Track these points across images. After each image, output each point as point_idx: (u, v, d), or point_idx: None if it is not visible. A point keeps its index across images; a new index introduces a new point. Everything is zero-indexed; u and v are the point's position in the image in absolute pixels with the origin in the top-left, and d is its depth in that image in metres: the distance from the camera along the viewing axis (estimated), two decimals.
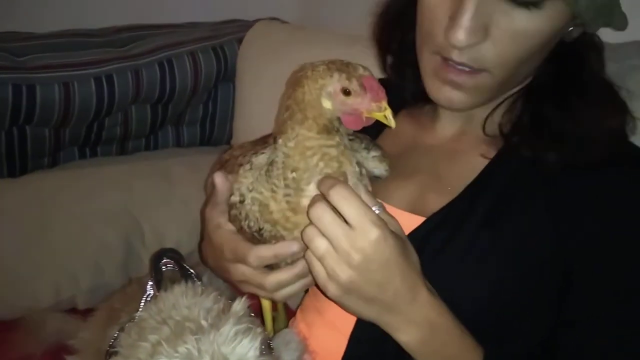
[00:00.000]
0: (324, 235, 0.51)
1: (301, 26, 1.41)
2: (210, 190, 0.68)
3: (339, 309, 0.62)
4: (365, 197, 0.54)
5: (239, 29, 1.33)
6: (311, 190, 0.54)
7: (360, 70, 0.52)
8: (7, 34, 1.15)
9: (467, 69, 0.56)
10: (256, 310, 0.68)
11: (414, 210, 0.63)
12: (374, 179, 0.62)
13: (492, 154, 0.62)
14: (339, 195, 0.50)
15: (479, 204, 0.59)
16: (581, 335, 0.56)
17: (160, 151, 1.31)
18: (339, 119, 0.54)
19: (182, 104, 1.27)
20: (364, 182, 0.57)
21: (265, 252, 0.57)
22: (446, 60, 0.57)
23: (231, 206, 0.62)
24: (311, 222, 0.52)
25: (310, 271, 0.54)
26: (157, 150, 1.32)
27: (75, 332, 0.83)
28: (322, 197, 0.52)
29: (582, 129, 0.57)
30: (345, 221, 0.51)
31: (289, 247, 0.56)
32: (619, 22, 0.58)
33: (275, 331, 0.70)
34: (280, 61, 1.16)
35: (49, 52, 1.09)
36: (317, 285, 0.55)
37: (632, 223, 0.56)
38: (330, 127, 0.54)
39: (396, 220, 0.55)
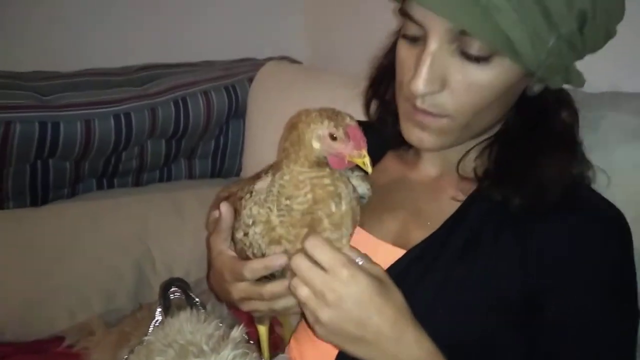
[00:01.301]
0: (304, 282, 0.57)
1: (307, 67, 1.48)
2: (212, 224, 0.74)
3: None
4: (348, 251, 0.60)
5: (250, 68, 1.40)
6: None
7: (347, 120, 0.59)
8: (34, 73, 1.22)
9: (431, 114, 0.62)
10: (254, 338, 0.74)
11: (397, 243, 0.68)
12: (360, 201, 0.68)
13: (468, 193, 0.68)
14: (312, 245, 0.57)
15: (455, 239, 0.65)
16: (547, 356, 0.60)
17: (173, 183, 1.36)
18: (325, 157, 0.61)
19: (195, 138, 1.33)
20: (355, 204, 0.64)
21: (256, 264, 0.64)
22: (413, 106, 0.63)
23: (237, 242, 0.68)
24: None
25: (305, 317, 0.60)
26: (170, 182, 1.37)
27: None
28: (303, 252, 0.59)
29: (544, 177, 0.62)
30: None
31: (277, 259, 0.62)
32: (576, 80, 0.63)
33: (273, 356, 0.74)
34: (287, 100, 1.23)
35: (72, 91, 1.17)
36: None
37: (587, 262, 0.61)
38: (319, 162, 0.61)
39: (380, 267, 0.60)
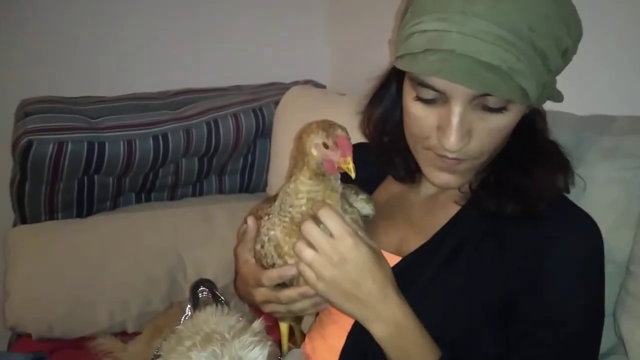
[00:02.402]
0: (312, 244, 0.67)
1: (329, 91, 1.56)
2: (241, 234, 0.83)
3: (338, 333, 0.76)
4: (352, 224, 0.69)
5: (276, 92, 1.48)
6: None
7: (338, 131, 0.67)
8: (83, 98, 1.33)
9: (462, 159, 0.69)
10: (275, 337, 0.82)
11: (397, 253, 0.76)
12: (365, 220, 0.76)
13: (461, 204, 0.75)
14: (325, 213, 0.67)
15: (444, 247, 0.72)
16: (521, 355, 0.67)
17: (205, 197, 1.44)
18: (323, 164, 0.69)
19: (225, 157, 1.41)
20: (352, 217, 0.72)
21: (272, 273, 0.73)
22: (440, 155, 0.69)
23: (256, 252, 0.77)
24: (301, 238, 0.68)
25: (304, 278, 0.69)
26: (202, 196, 1.45)
27: (124, 349, 0.98)
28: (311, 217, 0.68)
29: (535, 187, 0.69)
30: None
31: (289, 270, 0.72)
32: (557, 97, 0.70)
33: (289, 349, 0.83)
34: (309, 121, 1.29)
35: (116, 114, 1.27)
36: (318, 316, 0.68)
37: (561, 268, 0.67)
38: (318, 172, 0.69)
39: (376, 244, 0.70)
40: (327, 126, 0.67)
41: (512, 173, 0.71)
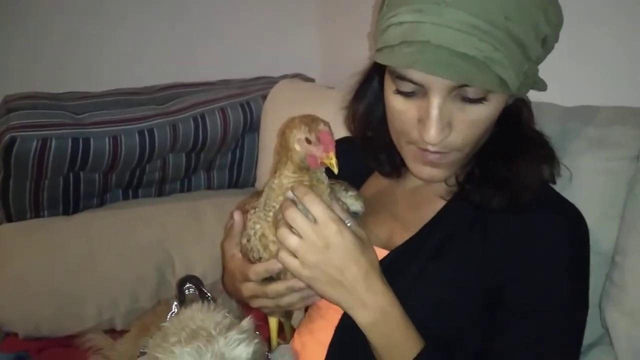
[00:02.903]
0: (295, 231, 0.66)
1: (317, 84, 1.56)
2: (228, 228, 0.83)
3: (326, 328, 0.76)
4: (340, 212, 0.68)
5: (264, 85, 1.47)
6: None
7: (321, 126, 0.67)
8: (68, 93, 1.32)
9: (442, 152, 0.69)
10: (265, 333, 0.81)
11: (385, 247, 0.76)
12: (354, 217, 0.75)
13: (447, 198, 0.75)
14: (309, 199, 0.66)
15: (431, 240, 0.72)
16: (505, 342, 0.67)
17: (193, 193, 1.43)
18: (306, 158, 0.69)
19: (213, 152, 1.40)
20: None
21: (259, 268, 0.73)
22: (422, 149, 0.69)
23: (242, 247, 0.77)
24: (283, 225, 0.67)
25: (285, 267, 0.69)
26: (190, 192, 1.44)
27: (113, 347, 0.98)
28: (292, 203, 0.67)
29: (520, 178, 0.69)
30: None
31: (275, 263, 0.71)
32: (541, 86, 0.70)
33: (278, 344, 0.82)
34: (297, 114, 1.30)
35: (101, 110, 1.26)
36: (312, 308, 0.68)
37: (546, 258, 0.67)
38: (302, 166, 0.69)
39: (364, 232, 0.69)
40: (310, 121, 0.67)
41: (496, 165, 0.71)
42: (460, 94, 0.64)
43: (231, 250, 0.79)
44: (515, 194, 0.68)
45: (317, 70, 1.68)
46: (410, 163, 0.73)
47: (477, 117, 0.66)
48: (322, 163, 0.67)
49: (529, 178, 0.69)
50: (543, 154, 0.72)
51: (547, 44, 0.66)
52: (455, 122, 0.66)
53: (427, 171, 0.72)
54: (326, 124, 0.67)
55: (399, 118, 0.69)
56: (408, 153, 0.73)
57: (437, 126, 0.64)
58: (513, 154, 0.71)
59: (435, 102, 0.64)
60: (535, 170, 0.70)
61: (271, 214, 0.71)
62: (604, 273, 0.78)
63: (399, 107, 0.68)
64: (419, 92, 0.65)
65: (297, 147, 0.68)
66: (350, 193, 0.77)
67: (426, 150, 0.68)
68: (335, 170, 0.66)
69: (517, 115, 0.73)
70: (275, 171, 0.72)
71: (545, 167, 0.71)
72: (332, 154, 0.66)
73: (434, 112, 0.64)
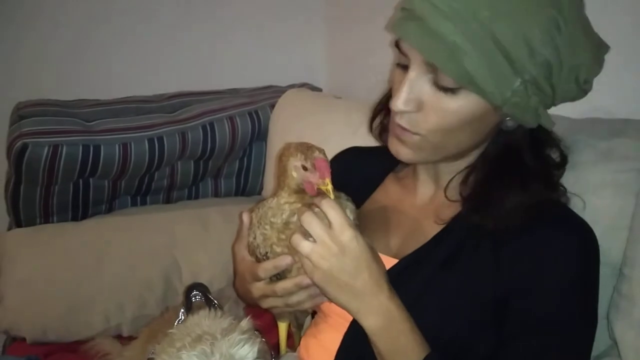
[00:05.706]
0: (311, 235, 0.67)
1: (324, 94, 1.57)
2: (238, 230, 0.84)
3: (333, 336, 0.76)
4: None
5: (272, 95, 1.48)
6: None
7: (316, 153, 0.69)
8: (79, 101, 1.34)
9: (407, 130, 0.70)
10: (274, 339, 0.82)
11: (394, 256, 0.76)
12: (366, 228, 0.77)
13: (454, 214, 0.74)
14: (327, 205, 0.67)
15: (440, 251, 0.72)
16: (510, 354, 0.66)
17: (200, 200, 1.44)
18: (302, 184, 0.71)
19: (221, 160, 1.41)
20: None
21: (267, 265, 0.74)
22: (394, 121, 0.72)
23: (249, 245, 0.78)
24: (297, 230, 0.69)
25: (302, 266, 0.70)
26: (198, 199, 1.45)
27: (120, 353, 0.98)
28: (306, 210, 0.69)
29: (510, 206, 0.69)
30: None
31: (283, 260, 0.72)
32: (546, 122, 0.70)
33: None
34: (304, 124, 1.32)
35: (112, 117, 1.27)
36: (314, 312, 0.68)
37: (555, 272, 0.67)
38: (298, 189, 0.71)
39: (370, 241, 0.70)
40: (305, 149, 0.69)
41: (488, 189, 0.72)
42: (435, 79, 0.66)
43: (241, 252, 0.81)
44: (504, 220, 0.68)
45: (325, 80, 1.70)
46: (389, 136, 0.75)
47: (445, 107, 0.66)
48: (319, 189, 0.69)
49: (525, 200, 0.69)
50: (544, 182, 0.72)
51: (554, 75, 0.64)
52: (425, 104, 0.67)
53: (394, 145, 0.73)
54: (321, 151, 0.70)
55: (391, 90, 0.72)
56: (390, 126, 0.75)
57: (403, 95, 0.67)
58: (506, 179, 0.71)
59: (410, 73, 0.67)
60: (529, 197, 0.69)
61: (267, 227, 0.73)
62: (612, 285, 0.78)
63: (395, 79, 0.71)
64: (407, 65, 0.68)
65: (294, 173, 0.70)
66: (348, 210, 0.77)
67: (395, 122, 0.70)
68: (332, 196, 0.68)
69: (515, 143, 0.72)
70: (274, 194, 0.75)
71: (545, 194, 0.71)
72: (328, 180, 0.68)
73: (405, 82, 0.67)
